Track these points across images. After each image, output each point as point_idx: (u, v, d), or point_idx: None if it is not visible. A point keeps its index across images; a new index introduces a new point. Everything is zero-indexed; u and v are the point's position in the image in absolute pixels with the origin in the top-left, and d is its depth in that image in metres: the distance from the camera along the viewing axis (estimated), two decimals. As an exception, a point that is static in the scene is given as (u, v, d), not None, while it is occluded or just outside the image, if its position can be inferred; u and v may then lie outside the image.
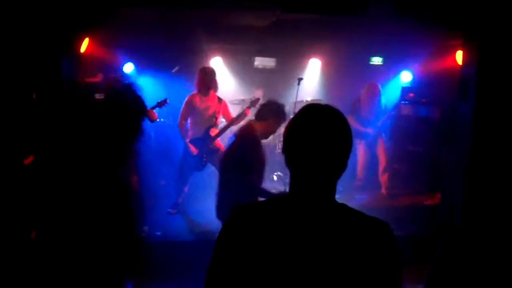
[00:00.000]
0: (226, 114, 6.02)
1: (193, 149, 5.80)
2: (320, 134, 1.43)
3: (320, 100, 7.41)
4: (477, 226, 1.66)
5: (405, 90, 7.49)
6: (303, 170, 1.46)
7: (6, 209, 4.03)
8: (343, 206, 1.47)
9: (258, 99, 6.08)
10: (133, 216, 1.98)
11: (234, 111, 6.22)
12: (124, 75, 6.87)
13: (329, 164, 1.45)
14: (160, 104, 5.83)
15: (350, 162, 1.51)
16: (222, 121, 6.29)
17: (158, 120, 6.06)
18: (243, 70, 8.21)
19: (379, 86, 6.86)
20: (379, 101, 6.84)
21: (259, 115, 4.22)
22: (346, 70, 7.69)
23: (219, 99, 5.93)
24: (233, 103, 7.30)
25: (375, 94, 6.79)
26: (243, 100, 7.31)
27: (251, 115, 6.13)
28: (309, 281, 1.36)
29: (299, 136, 1.46)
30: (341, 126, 1.47)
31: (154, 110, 5.75)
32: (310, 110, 1.51)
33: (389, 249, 1.40)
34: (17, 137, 4.32)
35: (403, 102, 7.38)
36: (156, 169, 6.44)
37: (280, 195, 1.56)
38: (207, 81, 5.81)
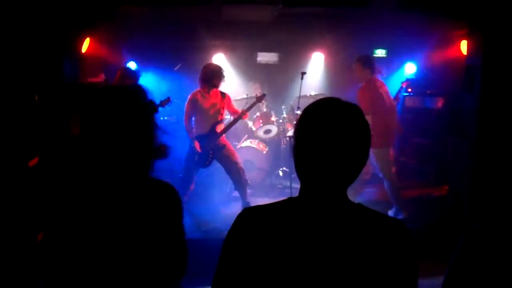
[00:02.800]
0: (230, 108, 5.97)
1: (197, 146, 5.76)
2: (338, 133, 1.32)
3: (324, 94, 7.37)
4: (494, 224, 1.62)
5: (408, 82, 7.44)
6: (317, 169, 1.36)
7: (11, 211, 4.03)
8: (359, 206, 1.40)
9: (264, 95, 6.07)
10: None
11: (237, 107, 6.17)
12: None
13: (346, 166, 1.35)
14: (163, 103, 5.79)
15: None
16: (227, 118, 6.27)
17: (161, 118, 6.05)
18: (246, 66, 8.18)
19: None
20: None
21: None
22: (350, 63, 7.61)
23: (222, 94, 5.88)
24: (236, 99, 7.28)
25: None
26: (246, 96, 7.28)
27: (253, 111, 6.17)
28: (324, 283, 1.31)
29: (313, 135, 1.35)
30: (360, 123, 1.36)
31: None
32: (325, 105, 1.39)
33: (406, 249, 1.35)
34: (20, 140, 4.31)
35: (406, 94, 7.33)
36: (160, 169, 6.42)
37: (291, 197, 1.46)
38: (210, 78, 5.76)
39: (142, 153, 1.78)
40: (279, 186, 7.08)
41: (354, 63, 5.65)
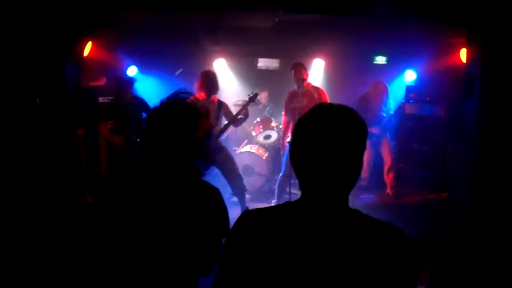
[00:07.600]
0: (229, 115, 5.98)
1: None
2: (333, 136, 1.34)
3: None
4: (480, 229, 1.63)
5: (409, 89, 7.46)
6: (314, 175, 1.37)
7: (18, 214, 4.05)
8: (356, 212, 1.41)
9: (256, 94, 6.05)
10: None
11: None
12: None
13: (343, 169, 1.36)
14: None
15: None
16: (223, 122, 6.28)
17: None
18: (247, 71, 8.20)
19: (386, 85, 6.85)
20: (387, 100, 6.83)
21: None
22: (350, 70, 7.66)
23: (219, 102, 5.88)
24: (237, 104, 7.29)
25: (383, 92, 6.77)
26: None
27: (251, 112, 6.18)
28: None
29: (309, 139, 1.37)
30: (357, 126, 1.37)
31: None
32: (322, 110, 1.41)
33: (405, 256, 1.34)
34: (21, 143, 4.33)
35: (407, 101, 7.35)
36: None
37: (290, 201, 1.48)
38: (208, 85, 5.77)
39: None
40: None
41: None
